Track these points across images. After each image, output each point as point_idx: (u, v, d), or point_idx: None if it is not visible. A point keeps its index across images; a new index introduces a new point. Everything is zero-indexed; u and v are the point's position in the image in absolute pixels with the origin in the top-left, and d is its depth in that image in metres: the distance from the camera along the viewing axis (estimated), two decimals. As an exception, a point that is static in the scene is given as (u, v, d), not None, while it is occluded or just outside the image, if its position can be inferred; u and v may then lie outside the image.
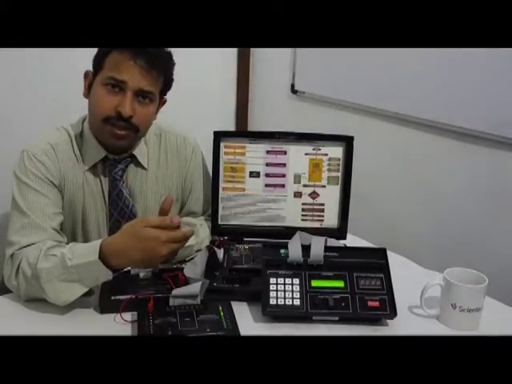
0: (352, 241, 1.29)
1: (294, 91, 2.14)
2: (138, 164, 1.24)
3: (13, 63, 1.71)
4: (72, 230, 1.22)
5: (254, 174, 1.24)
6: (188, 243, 1.16)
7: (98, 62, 1.14)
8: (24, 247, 1.07)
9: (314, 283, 1.06)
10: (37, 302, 1.05)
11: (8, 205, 1.17)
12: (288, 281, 1.06)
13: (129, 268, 1.13)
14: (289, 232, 1.16)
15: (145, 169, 1.25)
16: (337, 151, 1.24)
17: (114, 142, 1.16)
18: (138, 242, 0.98)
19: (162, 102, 1.23)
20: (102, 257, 0.99)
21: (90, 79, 1.16)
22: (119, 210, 1.22)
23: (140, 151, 1.24)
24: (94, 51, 1.16)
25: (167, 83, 1.19)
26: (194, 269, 1.11)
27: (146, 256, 0.99)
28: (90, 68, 1.17)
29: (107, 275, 1.01)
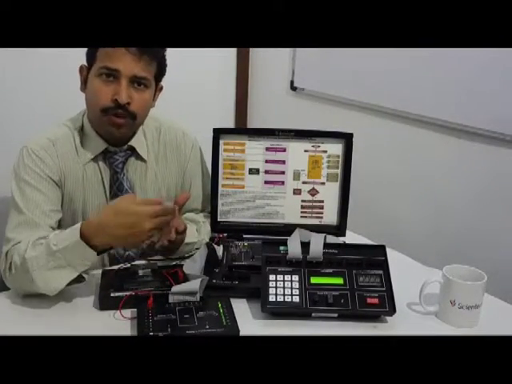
0: (351, 238, 1.29)
1: (293, 88, 2.13)
2: (138, 157, 1.23)
3: (11, 61, 1.70)
4: (72, 223, 1.18)
5: (254, 171, 1.24)
6: (190, 240, 1.18)
7: (91, 55, 1.13)
8: (16, 244, 1.06)
9: (314, 280, 1.05)
10: (35, 298, 1.04)
11: (7, 203, 1.15)
12: (287, 277, 1.05)
13: (128, 265, 1.13)
14: (288, 229, 1.16)
15: (144, 161, 1.24)
16: (336, 148, 1.23)
17: (113, 131, 1.15)
18: (119, 218, 0.97)
19: (159, 89, 1.21)
20: (85, 236, 0.98)
21: (85, 73, 1.16)
22: None
23: (139, 143, 1.22)
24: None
25: (161, 68, 1.17)
26: (194, 266, 1.10)
27: (129, 231, 0.97)
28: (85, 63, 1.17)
29: (92, 256, 0.99)
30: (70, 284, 1.02)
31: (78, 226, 1.00)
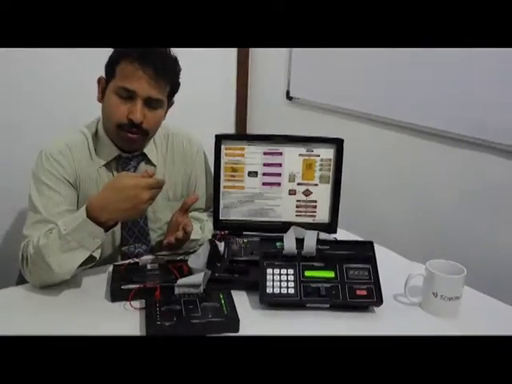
0: (342, 235, 1.29)
1: (289, 97, 2.14)
2: (148, 162, 1.24)
3: (28, 67, 1.70)
4: None
5: (253, 174, 1.24)
6: (195, 237, 1.20)
7: (110, 70, 1.14)
8: (31, 240, 1.07)
9: (307, 273, 1.07)
10: (52, 291, 1.06)
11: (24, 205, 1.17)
12: (283, 271, 1.07)
13: (137, 260, 1.13)
14: (284, 226, 1.17)
15: (154, 166, 1.25)
16: (328, 152, 1.23)
17: (126, 144, 1.18)
18: (120, 192, 0.99)
19: (170, 105, 1.23)
20: (92, 216, 0.99)
21: (103, 85, 1.17)
22: None
23: (150, 150, 1.24)
24: (106, 57, 1.16)
25: (174, 88, 1.19)
26: (198, 260, 1.11)
27: (130, 203, 0.99)
28: (103, 73, 1.18)
29: (100, 233, 1.00)
30: (84, 264, 1.03)
31: (83, 207, 1.01)
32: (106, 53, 1.15)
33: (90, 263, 1.05)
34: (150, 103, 1.13)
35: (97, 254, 1.04)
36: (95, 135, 1.21)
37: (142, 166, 1.24)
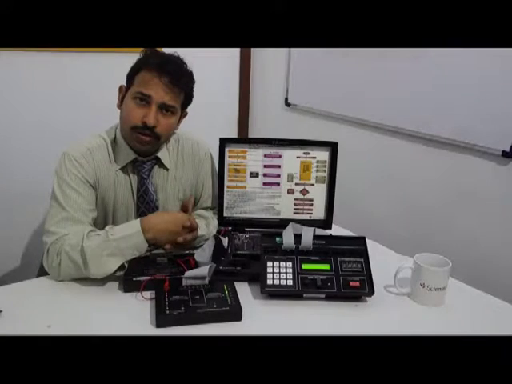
0: (336, 230, 1.32)
1: (287, 104, 2.17)
2: (162, 165, 1.27)
3: (54, 75, 1.77)
4: (103, 221, 1.25)
5: (254, 174, 1.26)
6: (201, 233, 1.23)
7: (130, 79, 1.17)
8: (62, 236, 1.09)
9: (305, 266, 1.09)
10: (70, 282, 1.08)
11: (45, 202, 1.19)
12: (282, 264, 1.09)
13: (148, 254, 1.15)
14: (283, 223, 1.20)
15: (167, 169, 1.28)
16: (324, 155, 1.26)
17: (139, 146, 1.20)
18: (167, 216, 1.14)
19: (184, 115, 1.25)
20: (142, 229, 1.07)
21: (123, 93, 1.20)
22: (145, 204, 1.25)
23: (163, 154, 1.27)
24: (128, 67, 1.19)
25: (187, 98, 1.21)
26: (203, 254, 1.14)
27: (175, 226, 1.12)
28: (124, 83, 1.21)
29: (144, 247, 1.07)
30: (117, 270, 1.07)
31: (136, 220, 1.10)
32: (128, 64, 1.19)
33: (122, 269, 1.09)
34: (164, 109, 1.15)
35: (126, 264, 1.09)
36: (114, 140, 1.23)
37: (156, 168, 1.27)
